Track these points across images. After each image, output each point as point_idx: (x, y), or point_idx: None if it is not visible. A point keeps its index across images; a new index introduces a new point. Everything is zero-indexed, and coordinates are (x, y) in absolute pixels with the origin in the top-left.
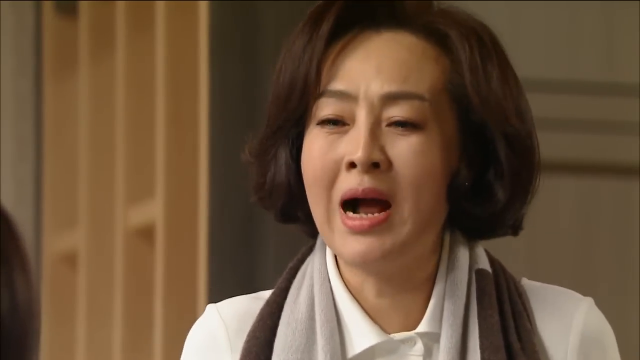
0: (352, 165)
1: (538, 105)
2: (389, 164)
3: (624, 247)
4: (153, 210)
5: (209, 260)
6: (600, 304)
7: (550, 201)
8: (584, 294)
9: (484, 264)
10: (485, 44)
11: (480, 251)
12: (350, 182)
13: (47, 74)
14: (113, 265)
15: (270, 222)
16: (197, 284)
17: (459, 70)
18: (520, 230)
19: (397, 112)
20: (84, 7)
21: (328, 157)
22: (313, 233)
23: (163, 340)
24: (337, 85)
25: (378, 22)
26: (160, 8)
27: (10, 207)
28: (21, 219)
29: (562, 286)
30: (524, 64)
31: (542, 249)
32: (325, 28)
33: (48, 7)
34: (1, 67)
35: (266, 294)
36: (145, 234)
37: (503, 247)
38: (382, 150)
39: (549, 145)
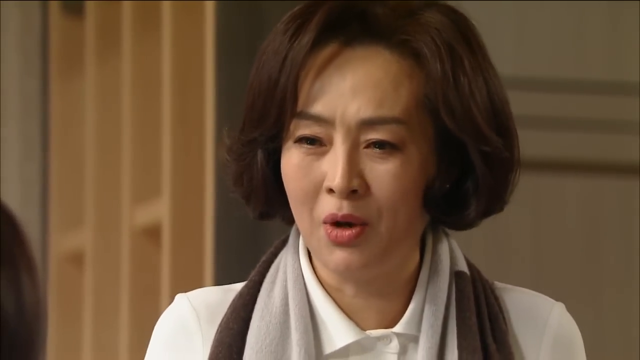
0: (331, 190)
1: (544, 104)
2: (367, 187)
3: (629, 246)
4: (159, 210)
5: (215, 260)
6: (605, 302)
7: (556, 200)
8: (590, 293)
9: (462, 266)
10: (458, 55)
11: (458, 253)
12: (330, 207)
13: (53, 74)
14: (119, 265)
15: (276, 221)
16: (203, 283)
17: (432, 86)
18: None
19: (374, 135)
20: (90, 7)
21: (307, 181)
22: (290, 222)
23: None
24: (314, 108)
25: (352, 37)
26: (166, 8)
27: (16, 206)
28: (28, 218)
29: (569, 285)
30: (529, 64)
31: (548, 248)
32: (304, 46)
33: (55, 7)
34: (8, 67)
35: (237, 286)
36: (152, 233)
37: (508, 245)
38: (361, 175)
39: (555, 144)
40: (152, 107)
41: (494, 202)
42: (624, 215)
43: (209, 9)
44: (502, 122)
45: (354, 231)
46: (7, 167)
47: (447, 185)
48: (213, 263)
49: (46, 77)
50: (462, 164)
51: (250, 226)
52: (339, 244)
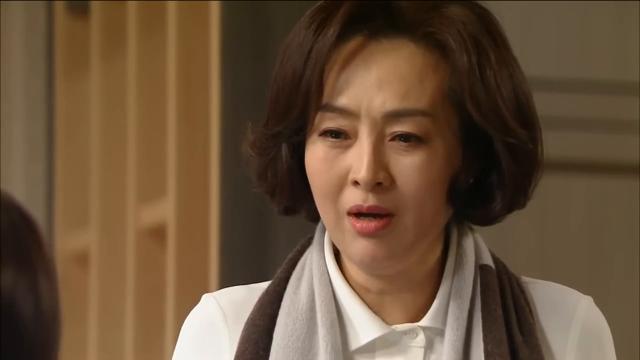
0: (356, 182)
1: (550, 104)
2: (392, 180)
3: (635, 246)
4: (164, 210)
5: (220, 260)
6: (611, 303)
7: (562, 200)
8: (596, 293)
9: (488, 259)
10: (484, 49)
11: (483, 247)
12: (355, 199)
13: (58, 74)
14: (124, 265)
15: (282, 221)
16: (208, 284)
17: (458, 79)
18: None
19: (399, 127)
20: (95, 7)
21: (332, 173)
22: (315, 219)
23: (174, 340)
24: (339, 100)
25: (378, 30)
26: (171, 8)
27: None
28: None
29: (574, 285)
30: (535, 63)
31: (554, 248)
32: (329, 38)
33: (60, 7)
34: (13, 67)
35: (263, 285)
36: (157, 233)
37: (515, 245)
38: (386, 167)
39: (561, 144)
40: (157, 107)
41: (518, 196)
42: (630, 215)
43: (214, 9)
44: (526, 116)
45: (380, 222)
46: (12, 167)
47: (472, 179)
48: (218, 263)
49: (51, 77)
50: (487, 157)
51: (256, 226)
52: (364, 234)
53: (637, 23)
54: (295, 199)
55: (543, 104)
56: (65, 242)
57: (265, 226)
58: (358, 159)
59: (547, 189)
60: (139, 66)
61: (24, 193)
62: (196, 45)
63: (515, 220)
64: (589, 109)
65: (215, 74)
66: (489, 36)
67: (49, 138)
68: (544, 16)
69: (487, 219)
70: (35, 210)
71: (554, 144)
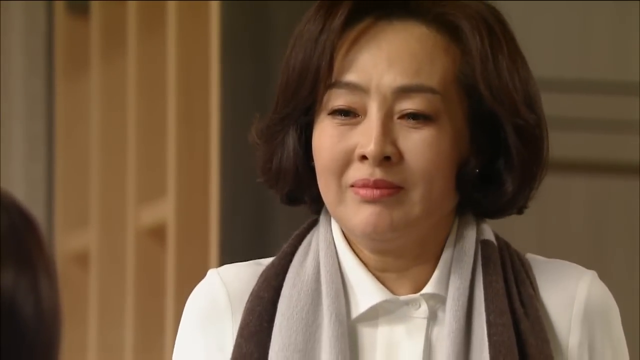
0: (364, 157)
1: (550, 104)
2: (400, 156)
3: (636, 246)
4: (164, 210)
5: (220, 260)
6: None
7: (562, 200)
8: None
9: (489, 236)
10: (496, 34)
11: (486, 226)
12: (363, 173)
13: (58, 74)
14: (124, 265)
15: (282, 221)
16: None
17: (469, 61)
18: (525, 209)
19: (409, 105)
20: (95, 7)
21: (339, 148)
22: (318, 211)
23: (174, 339)
24: (349, 77)
25: (390, 12)
26: (171, 8)
27: None
28: None
29: None
30: (535, 63)
31: (554, 248)
32: (339, 18)
33: (60, 7)
34: (13, 67)
35: (267, 260)
36: (157, 233)
37: (515, 245)
38: (394, 143)
39: (561, 144)
40: (157, 107)
41: (528, 180)
42: (630, 215)
43: (214, 9)
44: (534, 105)
45: (386, 191)
46: (12, 167)
47: (480, 165)
48: (218, 263)
49: (51, 77)
50: (495, 145)
51: (256, 226)
52: (368, 199)
53: (637, 23)
54: (299, 185)
55: (543, 104)
56: (65, 242)
57: (265, 226)
58: (366, 134)
59: (547, 189)
60: (139, 66)
61: (24, 193)
62: (196, 45)
63: (515, 220)
64: (589, 109)
65: (215, 74)
66: (501, 26)
67: (49, 138)
68: (544, 16)
69: (498, 205)
70: (35, 210)
71: (554, 144)
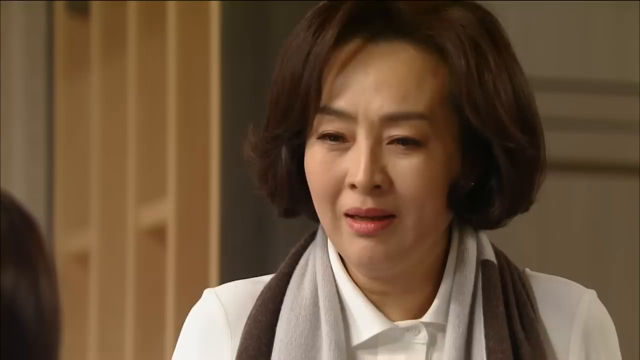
0: (354, 186)
1: (550, 104)
2: (391, 183)
3: (636, 246)
4: (164, 210)
5: (221, 260)
6: (612, 302)
7: (562, 200)
8: (596, 293)
9: (490, 254)
10: (482, 51)
11: (485, 242)
12: (354, 202)
13: (58, 74)
14: (125, 265)
15: (282, 221)
16: (208, 284)
17: (457, 82)
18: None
19: (397, 131)
20: (95, 7)
21: (329, 176)
22: (317, 219)
23: (174, 339)
24: (337, 103)
25: (376, 32)
26: (171, 8)
27: None
28: None
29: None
30: (535, 63)
31: (554, 248)
32: (329, 40)
33: (60, 7)
34: (13, 67)
35: (265, 278)
36: (157, 233)
37: (515, 245)
38: (383, 170)
39: (561, 144)
40: (157, 108)
41: (519, 201)
42: (630, 215)
43: (214, 9)
44: (527, 120)
45: (380, 223)
46: (12, 167)
47: (472, 183)
48: (218, 263)
49: (51, 77)
50: (487, 162)
51: (256, 226)
52: (362, 234)
53: (637, 23)
54: (295, 202)
55: (543, 104)
56: (65, 243)
57: (265, 226)
58: (355, 162)
59: (548, 189)
60: (139, 66)
61: (24, 193)
62: (196, 45)
63: (515, 220)
64: (589, 109)
65: (215, 74)
66: (489, 39)
67: (49, 138)
68: (544, 16)
69: (487, 224)
70: (35, 211)
71: (554, 144)
